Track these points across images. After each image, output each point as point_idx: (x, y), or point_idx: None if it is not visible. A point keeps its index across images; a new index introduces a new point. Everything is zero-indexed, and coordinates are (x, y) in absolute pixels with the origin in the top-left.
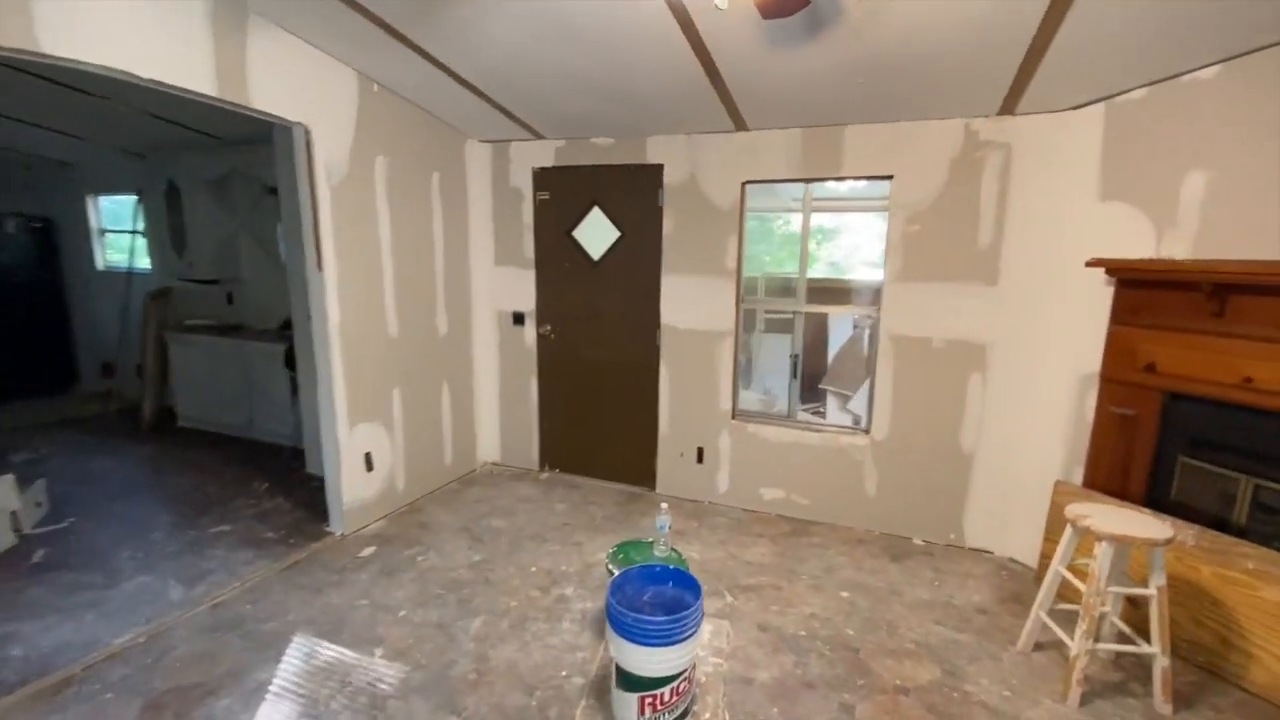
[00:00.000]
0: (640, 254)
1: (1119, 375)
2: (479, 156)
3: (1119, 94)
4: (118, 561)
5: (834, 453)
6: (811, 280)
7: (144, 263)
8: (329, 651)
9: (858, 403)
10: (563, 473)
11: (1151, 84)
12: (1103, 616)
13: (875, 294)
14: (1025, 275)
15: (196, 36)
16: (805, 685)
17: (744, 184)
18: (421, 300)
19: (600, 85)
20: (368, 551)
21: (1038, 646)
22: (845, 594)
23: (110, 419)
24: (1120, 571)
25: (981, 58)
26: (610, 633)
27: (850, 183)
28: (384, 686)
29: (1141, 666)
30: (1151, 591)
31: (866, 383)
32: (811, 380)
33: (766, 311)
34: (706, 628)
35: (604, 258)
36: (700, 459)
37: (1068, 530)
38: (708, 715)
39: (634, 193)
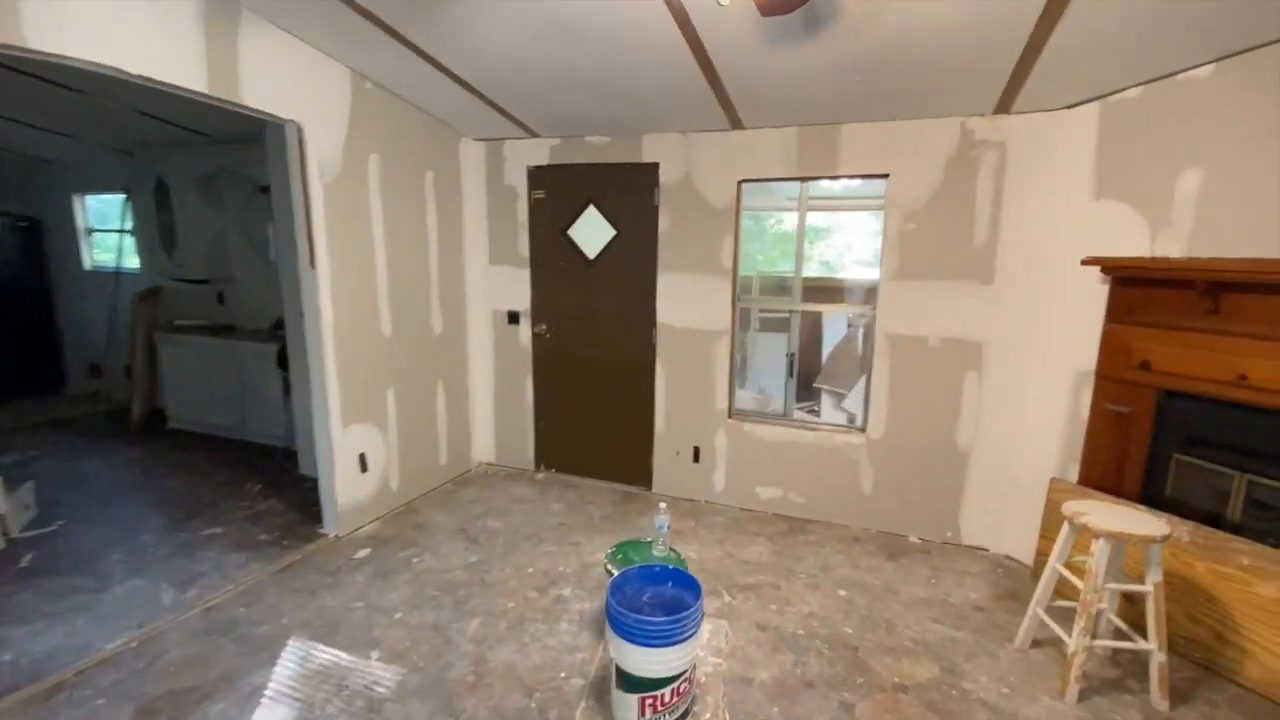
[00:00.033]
0: (636, 252)
1: (1114, 373)
2: (473, 155)
3: (1113, 93)
4: (108, 565)
5: (830, 451)
6: (805, 279)
7: (132, 262)
8: (325, 655)
9: (852, 401)
10: (558, 473)
11: (1146, 83)
12: (1099, 613)
13: (869, 293)
14: (1021, 274)
15: (187, 32)
16: (805, 684)
17: (740, 183)
18: (416, 299)
19: (596, 83)
20: (362, 553)
21: (1035, 643)
22: (843, 592)
23: (99, 420)
24: (1117, 568)
25: (978, 56)
26: (610, 633)
27: (844, 182)
28: (381, 689)
29: (1138, 663)
30: (1148, 588)
31: (861, 381)
32: (806, 379)
33: (761, 310)
34: (705, 627)
35: (599, 256)
36: (696, 458)
37: (1065, 528)
38: (708, 715)
39: (629, 191)
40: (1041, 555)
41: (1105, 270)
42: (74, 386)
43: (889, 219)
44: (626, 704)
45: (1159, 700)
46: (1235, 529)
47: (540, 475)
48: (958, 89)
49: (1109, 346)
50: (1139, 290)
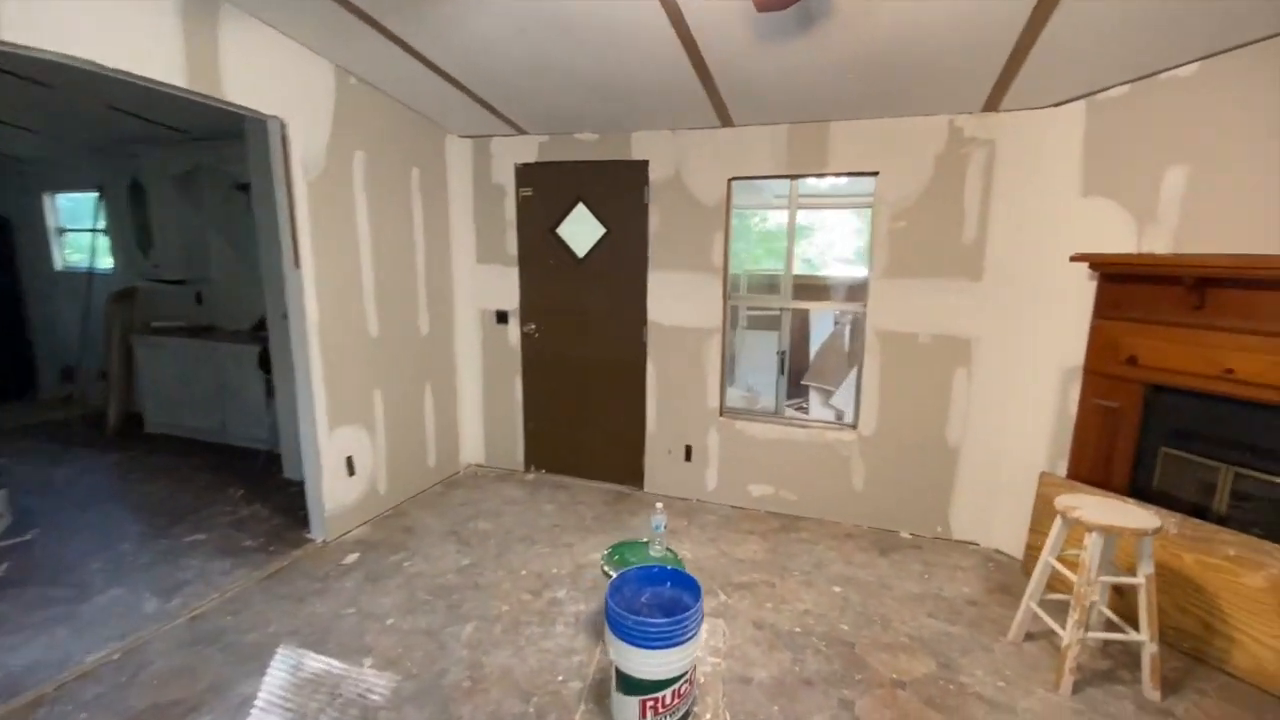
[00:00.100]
0: (626, 251)
1: (1102, 368)
2: (459, 152)
3: (1100, 91)
4: (87, 574)
5: (821, 448)
6: (792, 277)
7: (106, 262)
8: (316, 663)
9: (840, 398)
10: (549, 473)
11: (1131, 81)
12: (1091, 605)
13: (856, 290)
14: (1009, 271)
15: (165, 25)
16: (804, 682)
17: (730, 180)
18: (402, 299)
19: (586, 79)
20: (351, 558)
21: (1028, 636)
22: (837, 589)
23: (73, 425)
24: (1108, 561)
25: (969, 54)
26: (609, 636)
27: (830, 180)
28: (375, 697)
29: (1128, 654)
30: (1140, 580)
31: (848, 378)
32: (794, 376)
33: (749, 308)
34: (703, 627)
35: (589, 255)
36: (688, 457)
37: (1057, 521)
38: (708, 716)
39: (619, 189)
40: (1031, 549)
41: (1093, 267)
42: (46, 391)
43: (879, 216)
44: (627, 706)
45: (1151, 690)
46: (1221, 520)
47: (530, 476)
48: (947, 87)
49: (1097, 342)
50: (1126, 286)
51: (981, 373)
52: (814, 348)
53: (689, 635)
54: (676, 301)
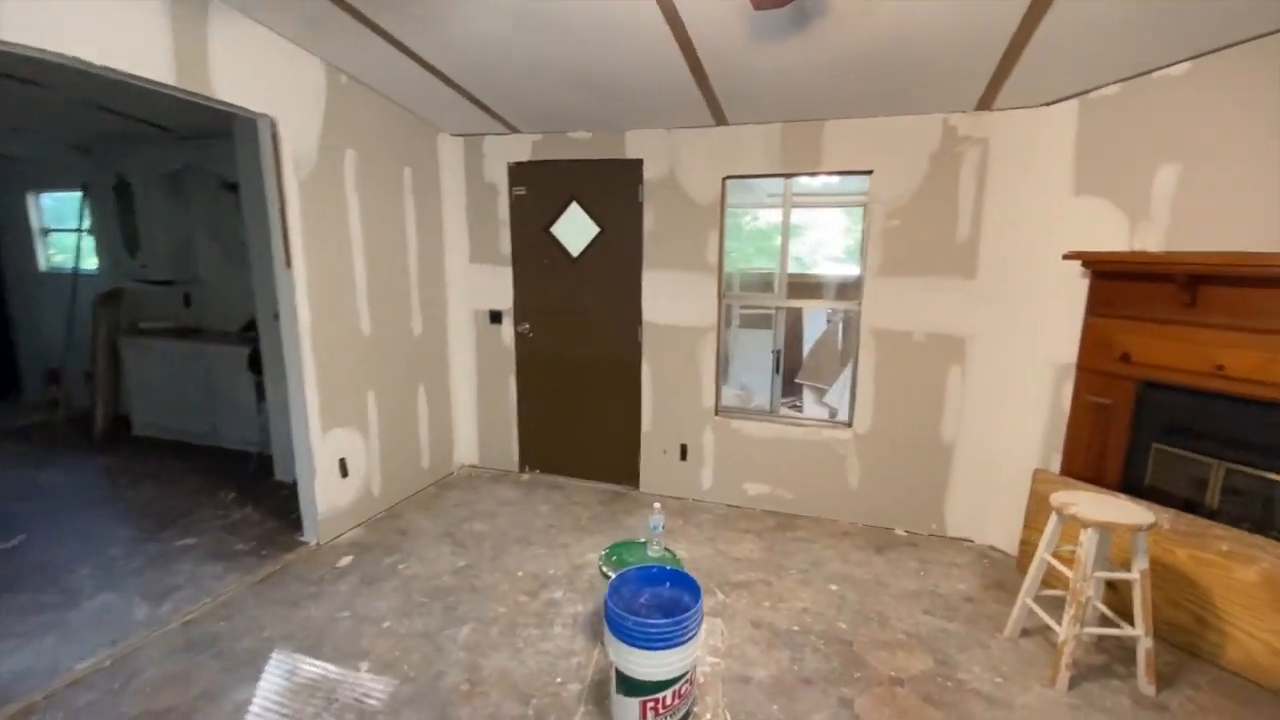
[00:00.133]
0: (621, 250)
1: (1095, 365)
2: (451, 151)
3: (1092, 90)
4: (76, 580)
5: (817, 447)
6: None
7: (91, 263)
8: (311, 667)
9: (833, 396)
10: (543, 473)
11: (1123, 80)
12: (1086, 601)
13: (846, 288)
14: (1003, 269)
15: (153, 21)
16: (803, 681)
17: (724, 179)
18: (395, 299)
19: (581, 77)
20: (345, 561)
21: (1024, 632)
22: (834, 587)
23: (58, 429)
24: (1103, 557)
25: (964, 53)
26: (609, 637)
27: (822, 179)
28: (372, 702)
29: (1123, 648)
30: (1134, 576)
31: (841, 376)
32: (787, 375)
33: (741, 307)
34: (703, 627)
35: (583, 254)
36: (684, 456)
37: (1053, 518)
38: (708, 716)
39: (613, 188)
40: (1026, 544)
41: (1086, 264)
42: (31, 394)
43: (873, 215)
44: (627, 708)
45: (1146, 685)
46: (1213, 515)
47: (525, 476)
48: (941, 85)
49: (1090, 339)
50: (1119, 284)
51: (975, 370)
52: (807, 346)
53: (689, 636)
54: (671, 300)
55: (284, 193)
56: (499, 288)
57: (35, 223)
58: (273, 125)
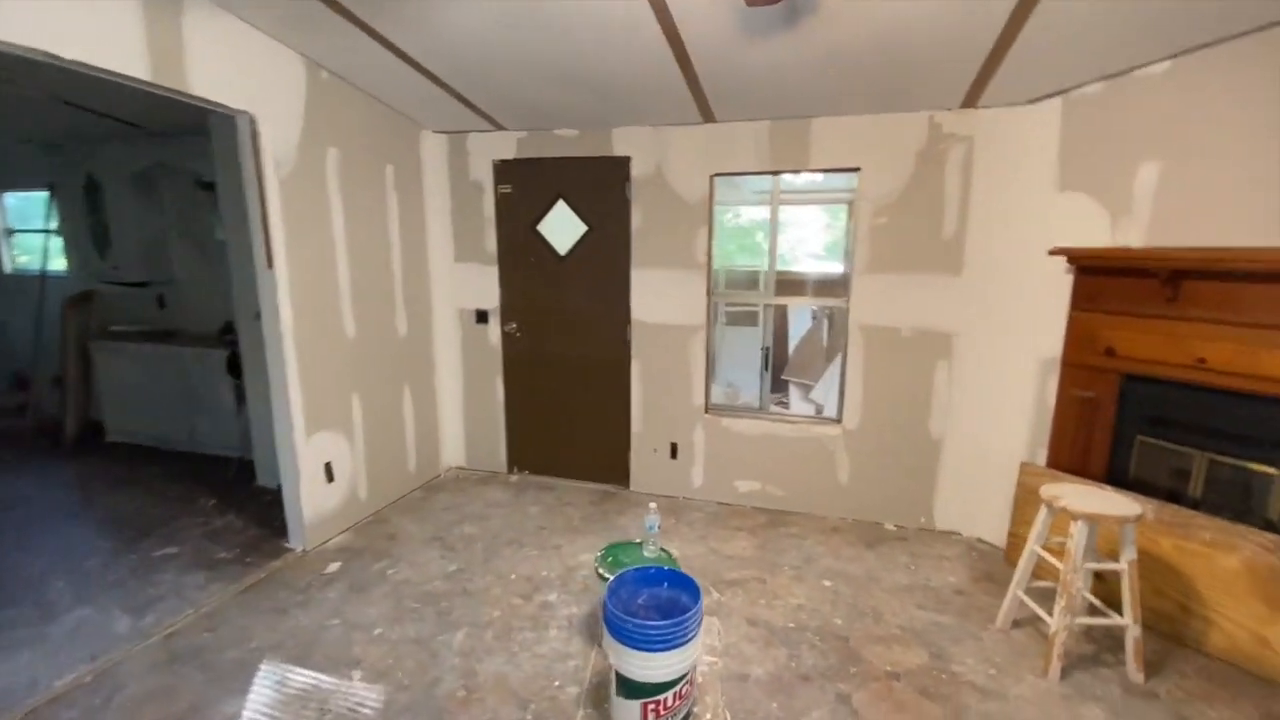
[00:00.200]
0: (609, 248)
1: (1079, 359)
2: (434, 148)
3: (1075, 88)
4: (52, 594)
5: (807, 443)
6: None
7: (59, 264)
8: (301, 677)
9: (819, 392)
10: (533, 474)
11: (1106, 78)
12: (1076, 592)
13: (830, 285)
14: (988, 265)
15: (125, 14)
16: (801, 678)
17: (713, 176)
18: (379, 299)
19: (569, 74)
20: (333, 567)
21: (1015, 624)
22: (828, 583)
23: (27, 436)
24: (1090, 548)
25: (951, 51)
26: (609, 639)
27: (806, 176)
28: (366, 711)
29: (1111, 638)
30: (1122, 566)
31: (827, 372)
32: (774, 371)
33: (727, 305)
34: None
35: (571, 252)
36: (674, 454)
37: (1042, 511)
38: (708, 716)
39: (601, 186)
40: (1014, 537)
41: (1071, 260)
42: None
43: (861, 212)
44: (628, 710)
45: (1135, 673)
46: (1195, 505)
47: (514, 478)
48: (928, 83)
49: (1074, 334)
50: (1102, 279)
51: (962, 366)
52: (792, 342)
53: (690, 636)
54: (660, 299)
55: (264, 191)
56: (485, 287)
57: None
58: (252, 122)
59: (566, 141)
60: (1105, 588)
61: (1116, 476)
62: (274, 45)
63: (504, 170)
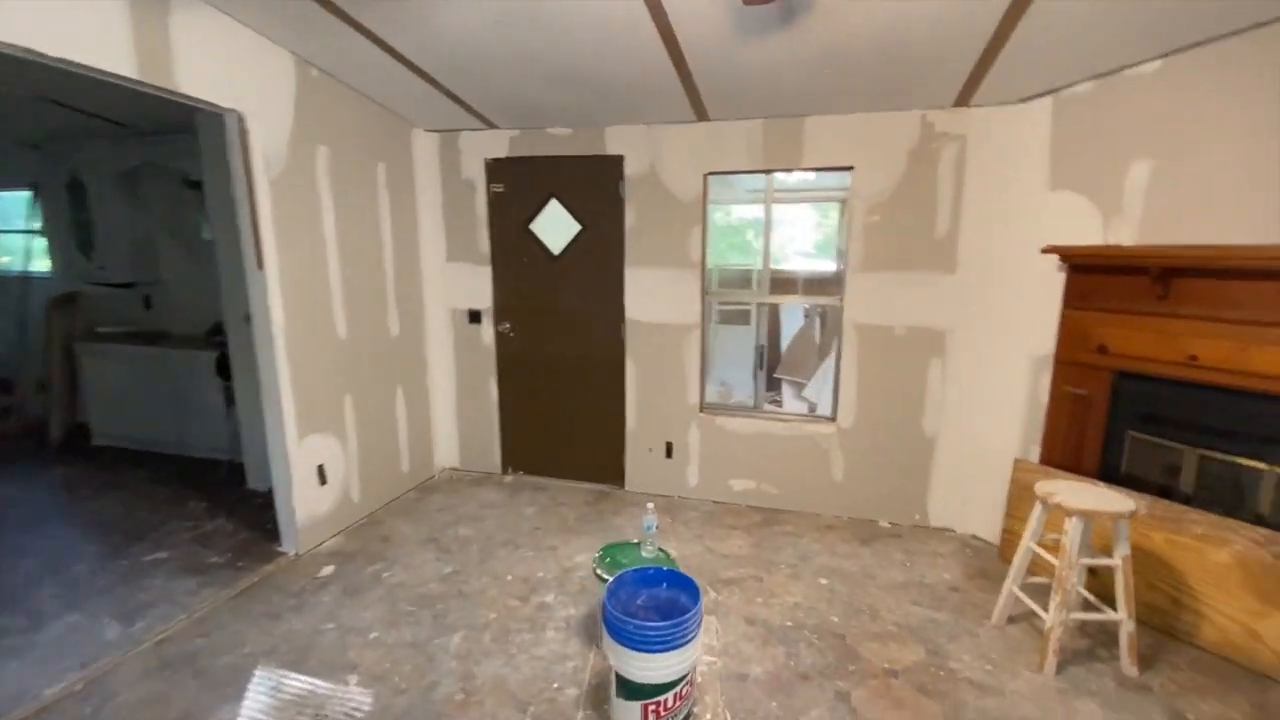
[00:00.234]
0: (603, 247)
1: (1072, 357)
2: (426, 147)
3: (1066, 87)
4: (39, 600)
5: (801, 441)
6: (757, 271)
7: (43, 265)
8: (297, 683)
9: (812, 390)
10: (527, 475)
11: (1096, 77)
12: (1071, 587)
13: (823, 283)
14: (981, 263)
15: (111, 12)
16: (799, 676)
17: (706, 175)
18: (371, 299)
19: (563, 72)
20: (327, 570)
21: (1010, 619)
22: (824, 581)
23: (11, 440)
24: (1084, 543)
25: (945, 51)
26: (609, 641)
27: (798, 175)
28: (363, 716)
29: (1105, 632)
30: (1116, 561)
31: (819, 370)
32: (766, 370)
33: (720, 303)
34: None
35: (565, 251)
36: (669, 454)
37: (1038, 507)
38: (708, 716)
39: (594, 185)
40: (1008, 533)
41: (1063, 258)
42: None
43: (854, 211)
44: (629, 712)
45: (1129, 667)
46: (1187, 500)
47: (508, 478)
48: (922, 82)
49: (1067, 332)
50: (1094, 277)
51: (956, 363)
52: (784, 341)
53: (690, 637)
54: (654, 298)
55: (254, 191)
56: (478, 286)
57: None
58: (240, 121)
59: (559, 140)
60: (1098, 582)
61: (1108, 472)
62: (263, 43)
63: (496, 169)
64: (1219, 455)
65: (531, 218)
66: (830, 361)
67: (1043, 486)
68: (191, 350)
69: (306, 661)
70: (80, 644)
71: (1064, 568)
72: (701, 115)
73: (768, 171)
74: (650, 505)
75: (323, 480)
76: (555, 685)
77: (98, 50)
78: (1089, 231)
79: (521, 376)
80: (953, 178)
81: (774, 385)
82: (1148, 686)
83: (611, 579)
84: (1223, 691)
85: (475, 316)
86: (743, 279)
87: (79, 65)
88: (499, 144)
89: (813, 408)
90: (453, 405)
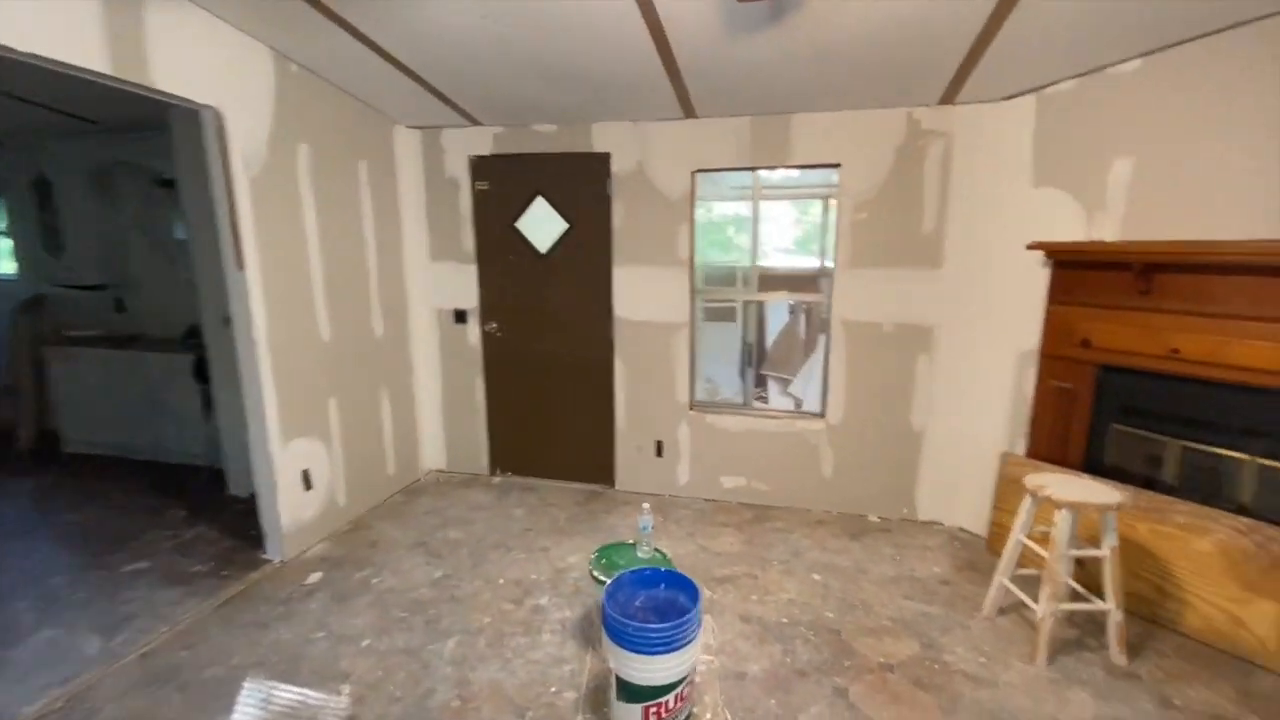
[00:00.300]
0: (590, 245)
1: (1056, 351)
2: (408, 144)
3: (1048, 85)
4: (14, 615)
5: (790, 438)
6: (740, 268)
7: (8, 268)
8: (288, 694)
9: (798, 386)
10: (516, 475)
11: (1078, 76)
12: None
13: (807, 280)
14: (967, 259)
15: (83, 5)
16: (797, 673)
17: (694, 173)
18: (354, 300)
19: (549, 69)
20: (314, 577)
21: (1000, 611)
22: (817, 576)
23: None
24: (1072, 535)
25: (932, 49)
26: (608, 643)
27: (782, 172)
28: None
29: (1092, 622)
30: (1104, 552)
31: (805, 366)
32: (754, 366)
33: (705, 301)
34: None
35: (552, 250)
36: (659, 452)
37: (1027, 500)
38: (708, 716)
39: (581, 182)
40: (996, 525)
41: (1048, 254)
42: None
43: (842, 208)
44: (629, 714)
45: (1118, 655)
46: (1169, 491)
47: (497, 479)
48: (907, 80)
49: (1051, 326)
50: (1078, 273)
51: (943, 359)
52: (770, 337)
53: (690, 638)
54: (643, 296)
55: (233, 190)
56: (463, 286)
57: None
58: (218, 118)
59: (545, 137)
60: (1085, 573)
61: (1093, 465)
62: (240, 37)
63: (481, 166)
64: (1201, 446)
65: (517, 216)
66: (815, 357)
67: (1033, 480)
68: (167, 353)
69: (297, 672)
70: (60, 659)
71: (1054, 560)
72: (689, 112)
73: (756, 169)
74: (646, 505)
75: (308, 485)
76: (553, 689)
77: (69, 45)
78: (1072, 227)
79: (509, 376)
80: (938, 175)
81: (760, 381)
82: (1136, 674)
83: (609, 581)
84: (1208, 677)
85: (461, 316)
86: (726, 276)
87: (50, 61)
88: (483, 141)
89: (799, 403)
90: (439, 406)
